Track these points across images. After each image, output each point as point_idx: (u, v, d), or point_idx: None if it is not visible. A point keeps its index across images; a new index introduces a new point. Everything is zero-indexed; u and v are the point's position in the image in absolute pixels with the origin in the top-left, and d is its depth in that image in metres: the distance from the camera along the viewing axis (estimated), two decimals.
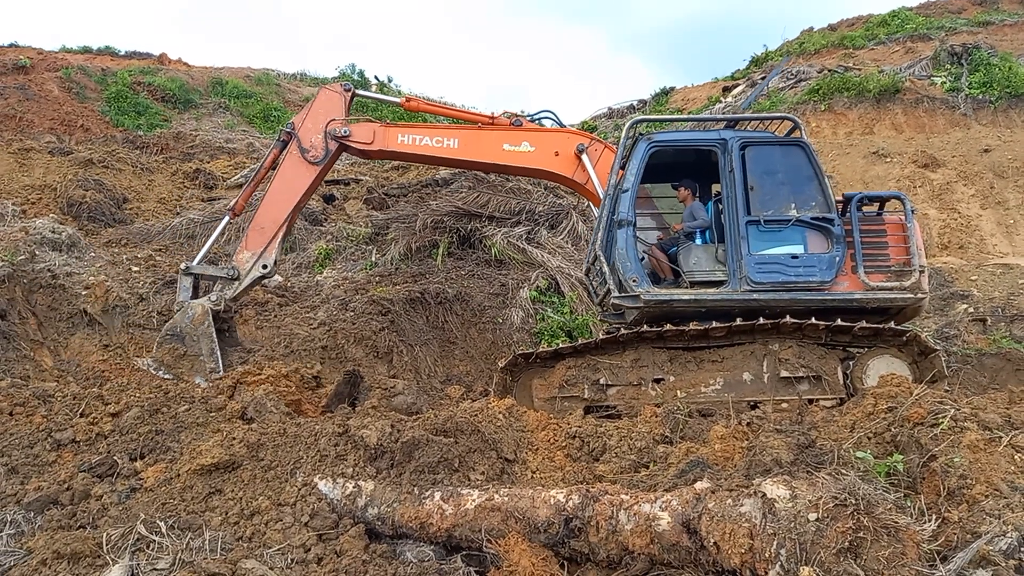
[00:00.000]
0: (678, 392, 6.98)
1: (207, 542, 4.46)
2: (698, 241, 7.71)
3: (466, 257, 12.79)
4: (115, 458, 5.64)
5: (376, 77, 32.09)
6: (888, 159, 18.04)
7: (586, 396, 7.25)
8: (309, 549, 4.47)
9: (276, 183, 8.39)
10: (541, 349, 7.74)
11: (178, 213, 14.21)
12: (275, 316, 10.79)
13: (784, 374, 6.87)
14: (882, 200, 7.58)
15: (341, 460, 5.25)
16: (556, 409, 7.22)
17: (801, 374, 6.85)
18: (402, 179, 16.46)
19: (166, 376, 7.75)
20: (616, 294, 7.49)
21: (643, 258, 7.82)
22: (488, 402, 6.50)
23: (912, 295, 6.89)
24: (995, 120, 19.81)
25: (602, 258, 7.59)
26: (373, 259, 12.65)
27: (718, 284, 7.22)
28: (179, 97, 23.83)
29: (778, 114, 7.98)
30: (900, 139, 19.45)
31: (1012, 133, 18.84)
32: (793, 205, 7.15)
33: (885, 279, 6.99)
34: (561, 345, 7.87)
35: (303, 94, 28.48)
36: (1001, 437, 3.93)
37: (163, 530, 4.53)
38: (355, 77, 32.30)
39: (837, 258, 6.95)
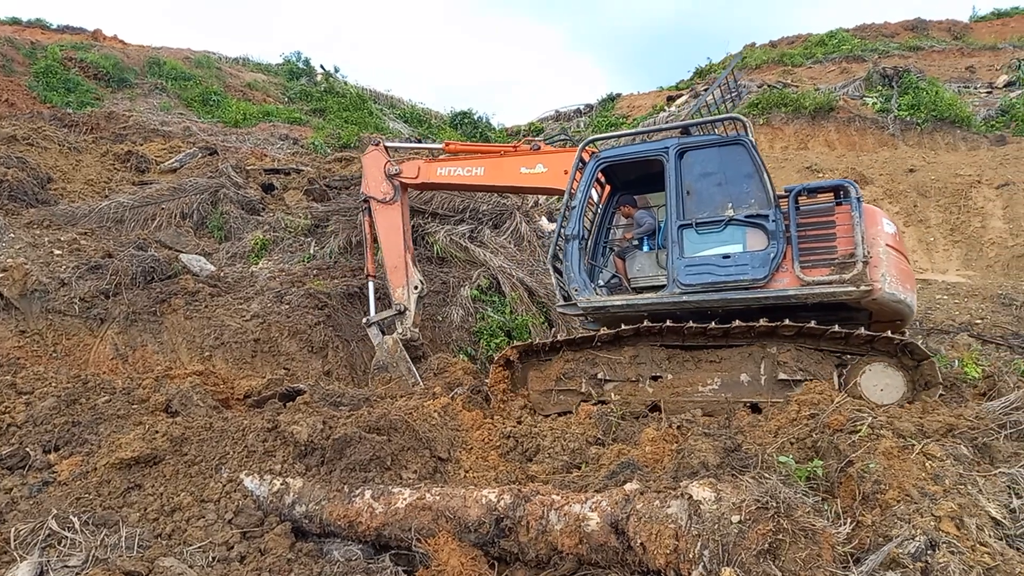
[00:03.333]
0: (675, 390, 6.98)
1: (124, 539, 4.29)
2: (645, 248, 7.85)
3: None
4: (27, 450, 5.39)
5: (322, 67, 31.57)
6: (820, 174, 18.71)
7: (583, 390, 7.26)
8: (232, 547, 4.36)
9: (380, 233, 9.98)
10: (563, 337, 7.66)
11: (107, 196, 13.58)
12: (206, 306, 10.43)
13: (782, 376, 6.78)
14: (833, 190, 7.28)
15: (269, 456, 5.13)
16: (552, 402, 7.26)
17: (799, 377, 6.71)
18: (345, 171, 16.14)
19: None
20: (561, 303, 7.77)
21: (614, 271, 8.04)
22: (422, 401, 6.46)
23: (854, 287, 6.49)
24: (921, 141, 20.79)
25: (551, 270, 7.89)
26: (311, 251, 12.38)
27: (660, 288, 7.32)
28: (113, 75, 22.84)
29: (725, 115, 7.95)
30: (832, 155, 20.22)
31: (936, 155, 19.79)
32: (730, 204, 7.09)
33: (828, 272, 6.67)
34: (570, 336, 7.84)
35: (245, 79, 27.74)
36: (914, 445, 4.12)
37: (76, 526, 4.34)
38: (300, 65, 31.75)
39: (772, 255, 6.82)
